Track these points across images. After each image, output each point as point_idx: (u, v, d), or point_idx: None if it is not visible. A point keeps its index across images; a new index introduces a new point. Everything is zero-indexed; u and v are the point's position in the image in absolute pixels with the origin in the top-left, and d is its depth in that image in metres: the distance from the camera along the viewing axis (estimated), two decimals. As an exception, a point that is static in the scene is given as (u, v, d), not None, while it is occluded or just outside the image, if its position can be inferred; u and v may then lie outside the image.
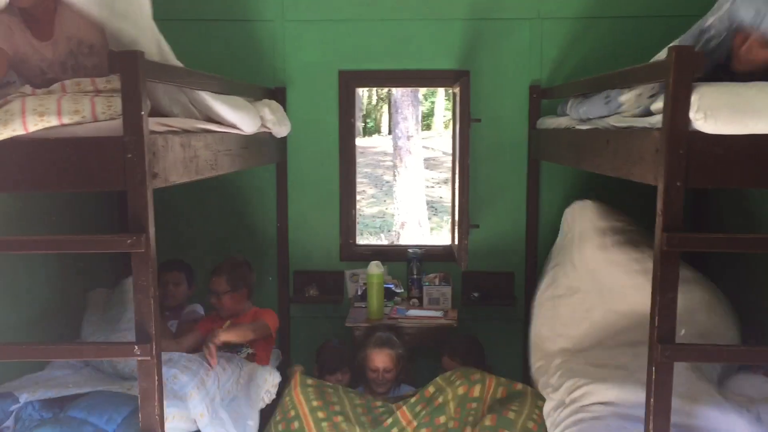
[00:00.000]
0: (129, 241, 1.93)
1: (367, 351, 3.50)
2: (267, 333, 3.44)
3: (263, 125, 3.25)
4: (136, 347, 1.98)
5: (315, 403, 3.11)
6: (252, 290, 3.58)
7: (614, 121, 2.42)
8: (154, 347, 1.97)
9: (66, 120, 1.93)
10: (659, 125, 1.96)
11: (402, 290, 3.99)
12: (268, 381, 3.33)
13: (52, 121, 1.92)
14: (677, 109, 1.86)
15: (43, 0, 2.33)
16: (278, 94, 3.87)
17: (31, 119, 1.91)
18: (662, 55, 2.59)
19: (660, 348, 1.93)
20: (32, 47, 2.37)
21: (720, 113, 1.84)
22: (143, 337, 1.98)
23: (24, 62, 2.38)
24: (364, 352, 3.53)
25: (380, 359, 3.46)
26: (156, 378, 2.00)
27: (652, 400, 1.97)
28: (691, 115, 1.85)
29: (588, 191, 3.90)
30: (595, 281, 3.27)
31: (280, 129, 3.52)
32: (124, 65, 1.87)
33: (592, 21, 3.80)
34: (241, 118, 2.77)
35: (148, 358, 1.98)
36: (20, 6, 2.33)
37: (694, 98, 1.85)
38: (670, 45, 2.03)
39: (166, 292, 3.59)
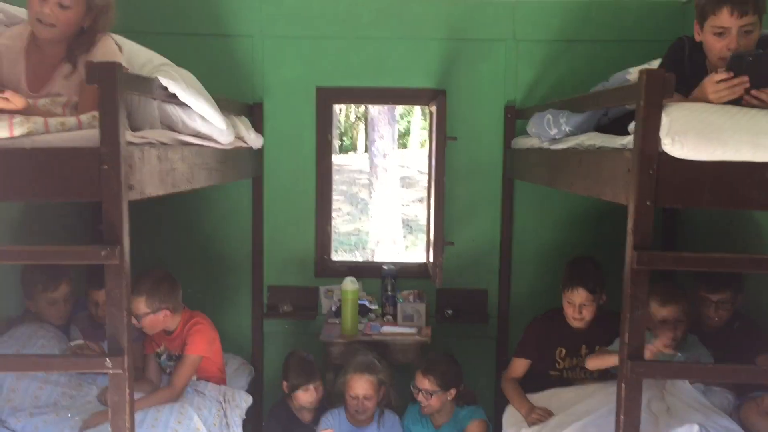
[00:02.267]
0: (103, 253, 1.90)
1: (347, 376, 3.39)
2: (195, 367, 3.21)
3: (238, 137, 3.24)
4: (107, 360, 1.95)
5: None
6: (178, 306, 3.26)
7: (587, 140, 2.46)
8: (126, 360, 1.95)
9: (52, 122, 1.93)
10: (630, 146, 1.99)
11: (376, 307, 3.99)
12: (241, 407, 3.29)
13: (38, 123, 1.91)
14: (648, 130, 1.90)
15: (53, 52, 2.28)
16: (256, 110, 3.88)
17: (18, 122, 1.88)
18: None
19: (630, 365, 1.96)
20: (18, 88, 2.25)
21: (687, 140, 1.87)
22: (115, 350, 1.95)
23: None
24: (344, 376, 3.42)
25: (360, 386, 3.34)
26: (127, 391, 1.97)
27: (621, 416, 1.99)
28: (661, 136, 1.89)
29: (561, 210, 3.97)
30: None
31: (256, 139, 3.52)
32: (102, 76, 1.86)
33: (567, 44, 3.87)
34: (219, 120, 2.71)
35: (120, 371, 1.95)
36: (42, 40, 2.26)
37: (665, 121, 1.88)
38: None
39: (97, 312, 3.34)
